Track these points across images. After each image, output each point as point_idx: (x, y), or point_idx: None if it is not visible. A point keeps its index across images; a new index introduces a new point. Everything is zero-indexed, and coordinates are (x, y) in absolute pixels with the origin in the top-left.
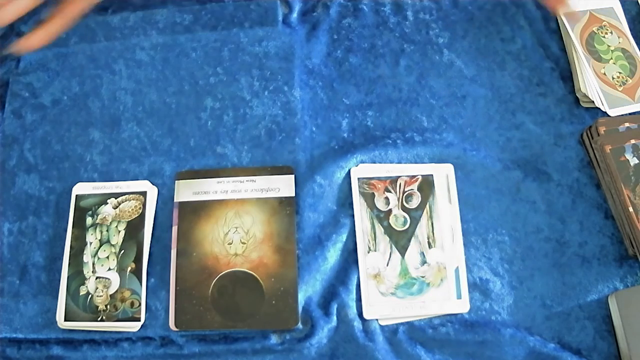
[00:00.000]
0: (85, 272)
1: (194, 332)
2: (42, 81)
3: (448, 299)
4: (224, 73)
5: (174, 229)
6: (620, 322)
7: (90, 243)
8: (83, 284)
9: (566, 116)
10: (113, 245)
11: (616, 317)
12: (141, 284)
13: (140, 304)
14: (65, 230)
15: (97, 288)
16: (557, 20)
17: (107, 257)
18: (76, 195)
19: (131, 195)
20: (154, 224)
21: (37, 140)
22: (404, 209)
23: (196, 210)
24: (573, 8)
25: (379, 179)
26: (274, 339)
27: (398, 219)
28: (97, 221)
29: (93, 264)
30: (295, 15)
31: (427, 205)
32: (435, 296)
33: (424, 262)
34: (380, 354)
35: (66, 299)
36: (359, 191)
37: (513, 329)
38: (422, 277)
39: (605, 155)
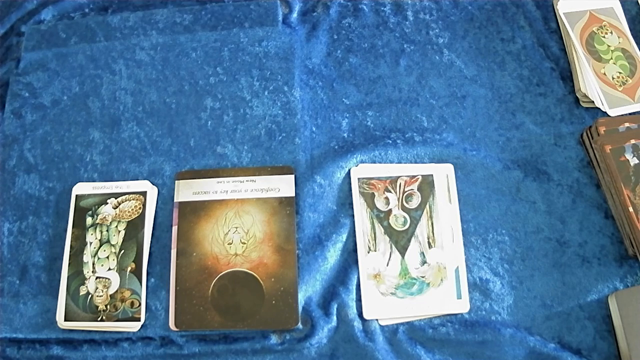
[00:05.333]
0: (85, 272)
1: (194, 332)
2: (42, 81)
3: (448, 299)
4: (224, 73)
5: (174, 229)
6: (620, 322)
7: (90, 243)
8: (83, 284)
9: (566, 116)
10: (113, 245)
11: (616, 317)
12: (141, 284)
13: (140, 304)
14: (65, 230)
15: (97, 288)
16: (557, 20)
17: (107, 257)
18: (76, 195)
19: (131, 195)
20: (154, 224)
21: (37, 140)
22: (404, 209)
23: (196, 210)
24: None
25: (379, 179)
26: (274, 339)
27: (398, 219)
28: (97, 221)
29: (93, 264)
30: (295, 15)
31: (427, 205)
32: (435, 296)
33: (424, 262)
34: (380, 354)
35: (66, 299)
36: (359, 191)
37: (513, 329)
38: (422, 277)
39: (605, 155)
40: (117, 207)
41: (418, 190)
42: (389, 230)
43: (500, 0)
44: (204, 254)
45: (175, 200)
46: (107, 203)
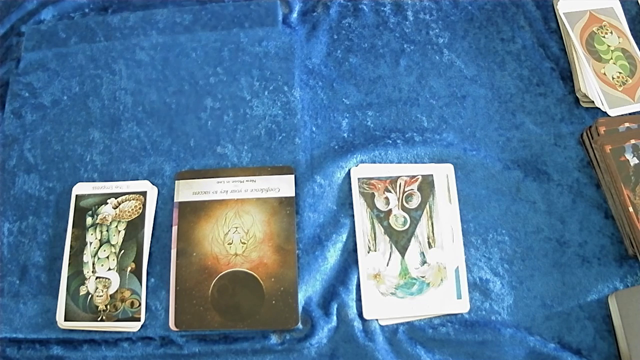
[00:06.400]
0: (85, 272)
1: (194, 332)
2: (42, 81)
3: (448, 299)
4: (224, 73)
5: (174, 229)
6: (620, 322)
7: (90, 243)
8: (83, 284)
9: (566, 116)
10: (113, 245)
11: (616, 317)
12: (141, 284)
13: (140, 304)
14: (65, 230)
15: (97, 288)
16: (557, 20)
17: (107, 257)
18: (76, 195)
19: (131, 195)
20: (154, 224)
21: (37, 140)
22: (404, 209)
23: (196, 210)
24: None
25: (379, 179)
26: (274, 339)
27: (398, 219)
28: (97, 221)
29: (93, 264)
30: (295, 15)
31: (427, 205)
32: (435, 296)
33: (424, 262)
34: (380, 354)
35: (66, 299)
36: (359, 191)
37: (513, 329)
38: (422, 277)
39: (605, 155)
40: (117, 207)
41: (418, 190)
42: (389, 230)
43: (500, 0)
44: (204, 254)
45: (175, 200)
46: (107, 203)
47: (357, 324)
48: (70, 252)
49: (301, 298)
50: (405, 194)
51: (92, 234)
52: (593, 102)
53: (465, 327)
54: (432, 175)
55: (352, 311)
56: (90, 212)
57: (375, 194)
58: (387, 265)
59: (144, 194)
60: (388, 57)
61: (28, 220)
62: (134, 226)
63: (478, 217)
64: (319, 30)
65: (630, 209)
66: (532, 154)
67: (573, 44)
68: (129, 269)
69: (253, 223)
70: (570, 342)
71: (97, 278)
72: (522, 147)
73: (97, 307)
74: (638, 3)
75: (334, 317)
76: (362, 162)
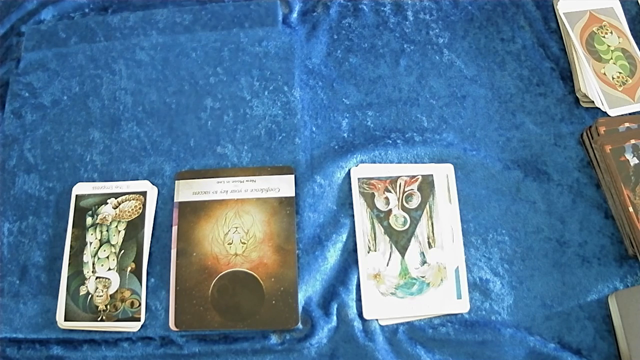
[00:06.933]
0: (85, 272)
1: (194, 332)
2: (42, 81)
3: (448, 299)
4: (224, 73)
5: (174, 229)
6: (620, 322)
7: (90, 243)
8: (83, 284)
9: (566, 116)
10: (113, 245)
11: (616, 317)
12: (141, 284)
13: (140, 304)
14: (65, 230)
15: (97, 288)
16: (557, 20)
17: (107, 257)
18: (76, 195)
19: (131, 195)
20: (154, 224)
21: (37, 140)
22: (404, 209)
23: (196, 210)
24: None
25: (379, 179)
26: (274, 339)
27: (398, 219)
28: (97, 221)
29: (93, 264)
30: (295, 15)
31: (427, 205)
32: (435, 296)
33: (424, 262)
34: (380, 354)
35: (66, 299)
36: (359, 191)
37: (513, 329)
38: (422, 277)
39: (605, 155)
40: (117, 207)
41: (418, 190)
42: (389, 230)
43: (500, 0)
44: (204, 254)
45: (175, 200)
46: (107, 203)
47: (357, 324)
48: (70, 252)
49: (301, 298)
50: (405, 194)
51: (92, 234)
52: (593, 102)
53: (465, 327)
54: (432, 175)
55: (352, 311)
56: (90, 212)
57: (375, 194)
58: (387, 265)
59: (144, 194)
60: (388, 57)
61: (28, 220)
62: (134, 226)
63: (478, 217)
64: (319, 30)
65: (630, 209)
66: (532, 154)
67: (573, 44)
68: (129, 269)
69: (253, 223)
70: (570, 342)
71: (97, 278)
72: (522, 147)
73: (97, 307)
74: (638, 3)
75: (334, 317)
76: (362, 162)
